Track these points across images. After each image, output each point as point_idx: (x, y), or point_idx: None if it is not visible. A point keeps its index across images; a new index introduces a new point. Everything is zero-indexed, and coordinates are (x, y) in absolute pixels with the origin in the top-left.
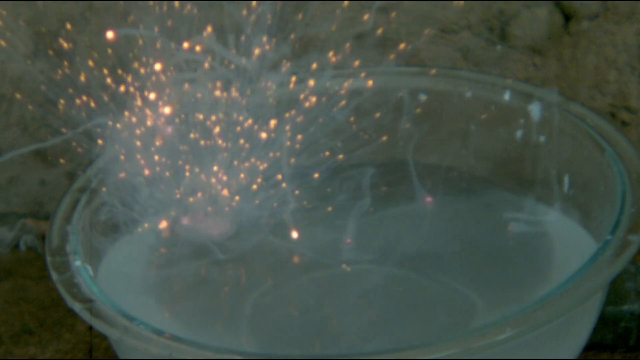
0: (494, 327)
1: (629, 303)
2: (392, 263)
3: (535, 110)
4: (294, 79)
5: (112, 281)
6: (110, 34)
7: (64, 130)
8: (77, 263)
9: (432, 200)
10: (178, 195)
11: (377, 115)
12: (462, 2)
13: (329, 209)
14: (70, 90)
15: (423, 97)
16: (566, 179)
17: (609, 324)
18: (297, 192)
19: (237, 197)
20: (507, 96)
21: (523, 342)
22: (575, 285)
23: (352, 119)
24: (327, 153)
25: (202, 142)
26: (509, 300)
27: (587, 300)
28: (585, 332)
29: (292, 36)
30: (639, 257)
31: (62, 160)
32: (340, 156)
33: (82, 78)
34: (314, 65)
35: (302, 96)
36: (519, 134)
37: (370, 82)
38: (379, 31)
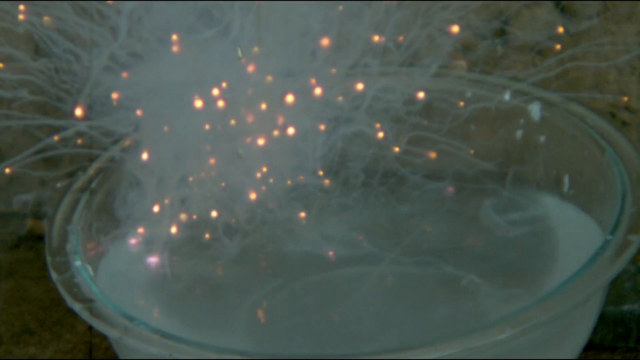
0: (494, 327)
1: (629, 303)
2: (395, 260)
3: (535, 110)
4: None
5: (112, 281)
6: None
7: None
8: (77, 263)
9: (431, 199)
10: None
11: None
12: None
13: (328, 208)
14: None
15: (422, 98)
16: (566, 179)
17: (609, 324)
18: (289, 181)
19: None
20: (507, 96)
21: (523, 342)
22: (575, 285)
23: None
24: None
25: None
26: (515, 295)
27: (587, 300)
28: (585, 332)
29: None
30: (639, 257)
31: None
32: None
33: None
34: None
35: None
36: (519, 134)
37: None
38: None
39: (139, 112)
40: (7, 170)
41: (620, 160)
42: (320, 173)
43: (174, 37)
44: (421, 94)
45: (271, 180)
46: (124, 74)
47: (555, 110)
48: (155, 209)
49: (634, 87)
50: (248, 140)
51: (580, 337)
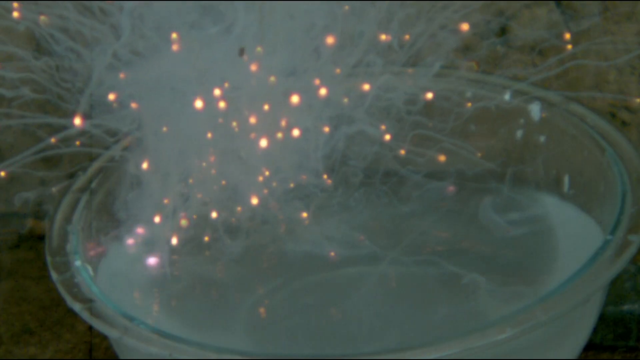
0: (494, 327)
1: (629, 303)
2: (396, 260)
3: (535, 110)
4: None
5: (112, 281)
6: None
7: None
8: (77, 263)
9: (432, 199)
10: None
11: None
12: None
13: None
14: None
15: (423, 97)
16: (566, 179)
17: (609, 324)
18: (292, 184)
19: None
20: (507, 96)
21: (523, 342)
22: (575, 285)
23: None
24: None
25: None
26: (515, 295)
27: (587, 300)
28: (585, 332)
29: None
30: (639, 257)
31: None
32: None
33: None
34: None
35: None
36: (519, 134)
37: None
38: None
39: (140, 110)
40: (3, 174)
41: (620, 160)
42: (325, 176)
43: (175, 35)
44: (430, 95)
45: (274, 184)
46: (126, 72)
47: (555, 110)
48: (156, 209)
49: (634, 87)
50: (251, 137)
51: (580, 337)
